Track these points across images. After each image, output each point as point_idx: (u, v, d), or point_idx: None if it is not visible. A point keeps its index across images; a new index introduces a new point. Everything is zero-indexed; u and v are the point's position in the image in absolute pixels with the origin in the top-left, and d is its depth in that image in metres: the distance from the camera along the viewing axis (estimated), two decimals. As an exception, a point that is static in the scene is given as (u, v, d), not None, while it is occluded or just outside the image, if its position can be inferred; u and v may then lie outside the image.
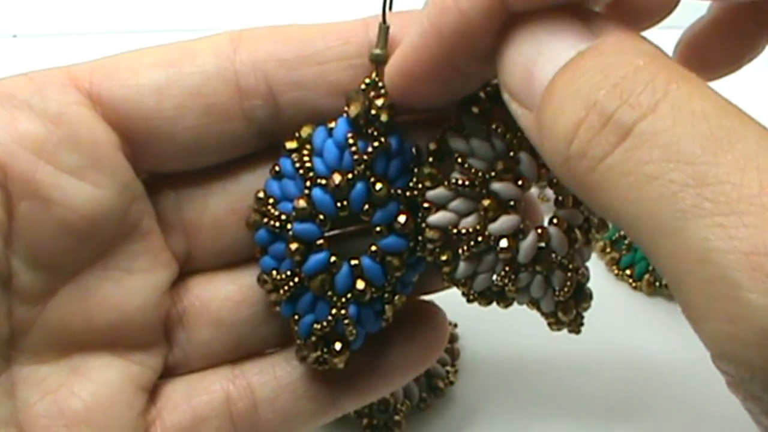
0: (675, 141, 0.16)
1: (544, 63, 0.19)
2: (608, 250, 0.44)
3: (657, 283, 0.42)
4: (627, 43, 0.19)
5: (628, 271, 0.43)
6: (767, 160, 0.16)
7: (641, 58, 0.18)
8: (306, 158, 0.25)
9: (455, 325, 0.39)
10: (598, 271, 0.43)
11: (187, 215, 0.26)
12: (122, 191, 0.24)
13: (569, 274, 0.24)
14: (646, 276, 0.42)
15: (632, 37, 0.19)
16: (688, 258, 0.16)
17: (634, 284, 0.43)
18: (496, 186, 0.24)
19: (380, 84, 0.24)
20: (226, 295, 0.27)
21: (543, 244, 0.24)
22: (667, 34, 0.27)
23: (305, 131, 0.25)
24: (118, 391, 0.25)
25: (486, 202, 0.24)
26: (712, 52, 0.30)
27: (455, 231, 0.24)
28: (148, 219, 0.26)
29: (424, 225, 0.24)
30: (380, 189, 0.24)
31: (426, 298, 0.29)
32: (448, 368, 0.37)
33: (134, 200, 0.25)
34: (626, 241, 0.43)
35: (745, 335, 0.15)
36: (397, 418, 0.35)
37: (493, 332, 0.39)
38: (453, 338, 0.39)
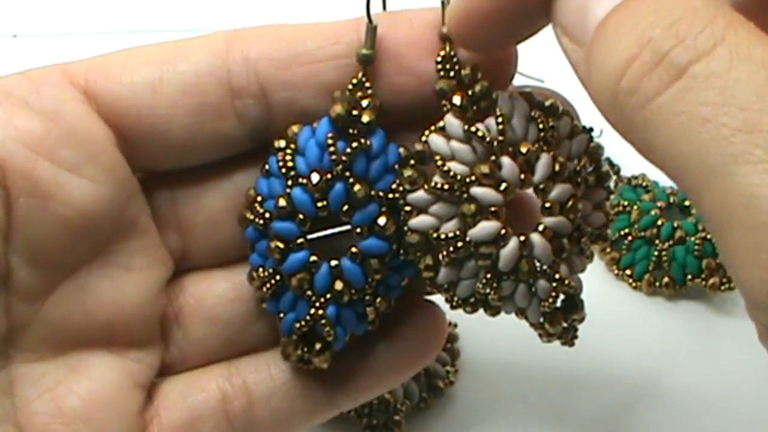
0: (730, 85, 0.16)
1: None
2: (608, 250, 0.43)
3: (657, 283, 0.42)
4: None
5: (628, 271, 0.42)
6: None
7: (700, 0, 0.17)
8: (289, 157, 0.25)
9: (455, 325, 0.39)
10: (598, 271, 0.43)
11: (182, 213, 0.26)
12: (120, 187, 0.24)
13: (554, 284, 0.24)
14: (646, 276, 0.42)
15: None
16: (735, 202, 0.16)
17: (634, 284, 0.42)
18: (476, 191, 0.23)
19: (367, 84, 0.24)
20: (220, 292, 0.27)
21: (526, 252, 0.23)
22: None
23: (293, 130, 0.25)
24: (116, 388, 0.25)
25: (466, 208, 0.23)
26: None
27: (435, 236, 0.24)
28: (145, 216, 0.26)
29: (406, 228, 0.24)
30: (359, 190, 0.24)
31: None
32: (448, 368, 0.37)
33: (131, 197, 0.25)
34: (626, 241, 0.42)
35: None
36: (397, 418, 0.35)
37: (493, 332, 0.39)
38: (453, 338, 0.39)
